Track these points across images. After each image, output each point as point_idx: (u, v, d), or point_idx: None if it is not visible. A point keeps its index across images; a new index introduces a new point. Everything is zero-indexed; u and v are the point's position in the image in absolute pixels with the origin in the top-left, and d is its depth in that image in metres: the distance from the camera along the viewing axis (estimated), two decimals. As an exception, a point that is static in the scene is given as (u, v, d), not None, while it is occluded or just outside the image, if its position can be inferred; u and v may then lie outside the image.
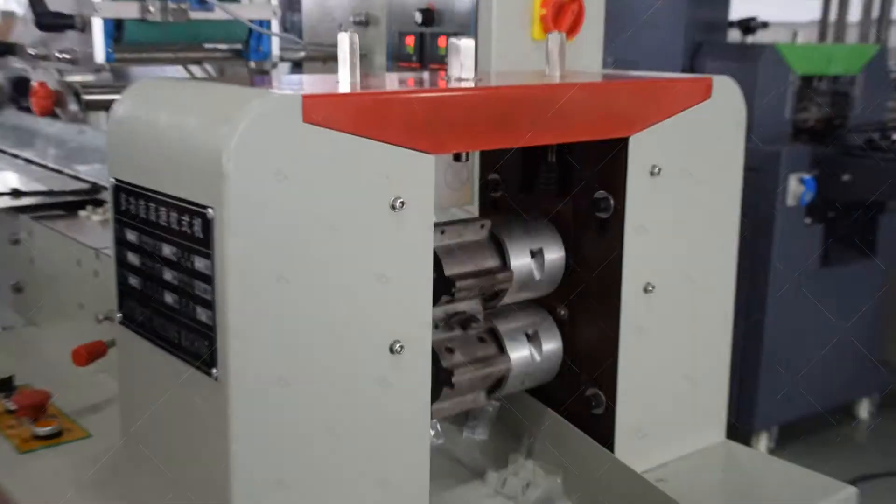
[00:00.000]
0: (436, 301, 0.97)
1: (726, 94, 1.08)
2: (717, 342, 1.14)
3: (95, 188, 1.52)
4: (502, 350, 1.05)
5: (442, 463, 1.06)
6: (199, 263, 0.80)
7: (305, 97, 0.78)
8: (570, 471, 1.04)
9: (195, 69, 1.62)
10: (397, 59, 1.58)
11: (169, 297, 0.86)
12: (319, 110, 0.79)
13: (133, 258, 0.90)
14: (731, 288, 1.14)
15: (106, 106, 1.33)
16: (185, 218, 0.81)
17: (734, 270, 1.14)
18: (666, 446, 1.10)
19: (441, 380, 0.98)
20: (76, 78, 1.43)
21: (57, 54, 1.39)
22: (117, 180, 0.90)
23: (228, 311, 0.77)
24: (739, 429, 2.59)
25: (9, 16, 1.65)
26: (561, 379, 1.11)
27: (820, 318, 2.68)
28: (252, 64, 1.52)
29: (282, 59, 1.57)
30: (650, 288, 1.04)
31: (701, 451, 1.13)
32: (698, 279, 1.09)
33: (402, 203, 0.85)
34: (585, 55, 1.43)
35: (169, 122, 0.84)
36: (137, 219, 0.88)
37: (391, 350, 0.86)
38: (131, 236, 0.89)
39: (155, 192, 0.85)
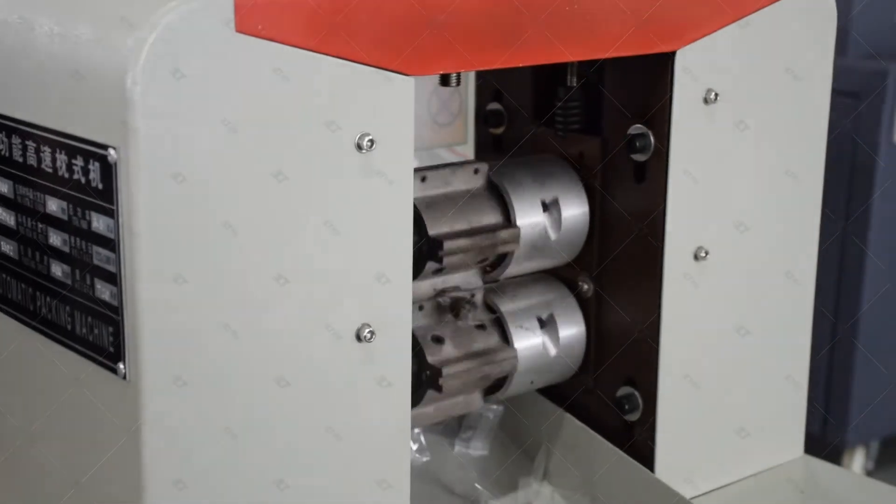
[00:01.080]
0: (418, 271, 0.99)
1: (810, -11, 1.10)
2: (793, 327, 1.17)
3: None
4: (506, 339, 1.07)
5: (427, 489, 1.09)
6: (99, 223, 0.81)
7: (238, -2, 0.79)
8: (599, 497, 1.07)
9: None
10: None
11: (57, 269, 0.87)
12: (257, 16, 0.80)
13: (5, 216, 0.91)
14: (812, 255, 1.17)
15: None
16: (78, 162, 0.82)
17: (817, 232, 1.17)
18: (724, 464, 1.13)
19: (425, 380, 1.00)
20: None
21: None
22: (-19, 110, 0.91)
23: (139, 287, 0.79)
24: (828, 443, 2.63)
25: None
26: (584, 375, 1.13)
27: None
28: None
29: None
30: (702, 254, 1.06)
31: (771, 470, 1.16)
32: (767, 243, 1.12)
33: (372, 142, 0.86)
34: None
35: (50, 29, 0.84)
36: (11, 163, 0.89)
37: (359, 337, 0.88)
38: (2, 187, 0.91)
39: (35, 126, 0.86)
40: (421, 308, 1.04)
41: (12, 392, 0.96)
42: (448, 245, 0.98)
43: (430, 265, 1.00)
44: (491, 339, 1.06)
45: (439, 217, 1.00)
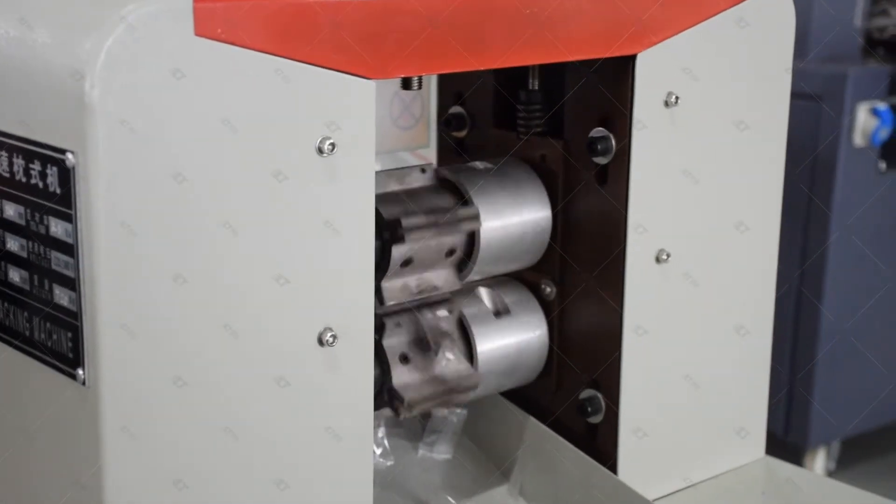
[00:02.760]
0: (386, 266, 0.99)
1: (770, -7, 1.11)
2: (754, 329, 1.19)
3: None
4: (469, 347, 1.08)
5: (391, 492, 1.10)
6: (57, 228, 0.81)
7: (198, 1, 0.79)
8: (561, 498, 1.08)
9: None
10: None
11: (15, 275, 0.87)
12: (217, 19, 0.80)
13: (-37, 222, 0.91)
14: (773, 256, 1.19)
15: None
16: (35, 166, 0.82)
17: (777, 233, 1.19)
18: (685, 466, 1.15)
19: (386, 399, 1.01)
20: None
21: None
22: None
23: (99, 293, 0.79)
24: (789, 444, 2.67)
25: None
26: (547, 378, 1.14)
27: (898, 299, 2.75)
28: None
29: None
30: (664, 257, 1.08)
31: (733, 471, 1.18)
32: (729, 245, 1.14)
33: (333, 146, 0.87)
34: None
35: (7, 32, 0.84)
36: (-32, 168, 0.89)
37: (320, 341, 0.89)
38: (-40, 192, 0.90)
39: (-8, 130, 0.85)
40: (399, 325, 1.04)
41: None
42: (406, 221, 0.98)
43: (397, 254, 0.99)
44: (459, 365, 1.06)
45: (394, 205, 1.01)
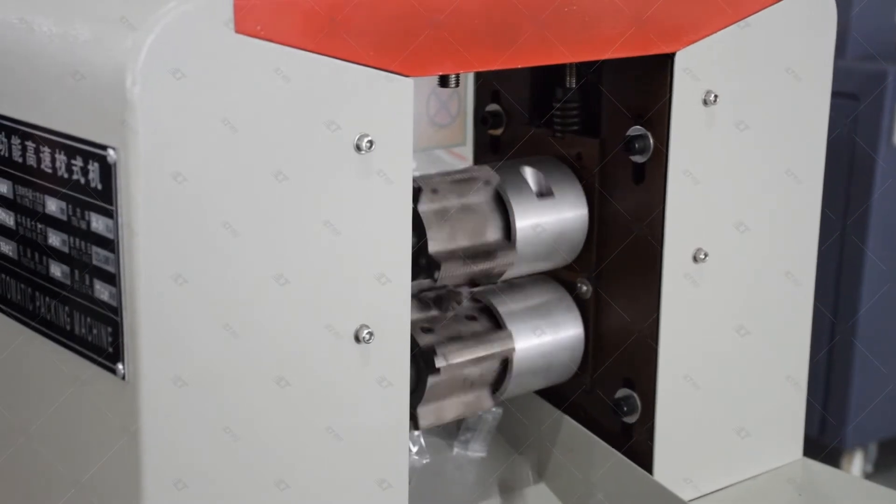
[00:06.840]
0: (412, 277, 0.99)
1: (809, -9, 1.10)
2: (792, 330, 1.18)
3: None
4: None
5: (426, 490, 1.10)
6: (98, 223, 0.82)
7: (238, -1, 0.80)
8: (596, 498, 1.08)
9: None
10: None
11: (56, 270, 0.88)
12: (257, 16, 0.80)
13: (4, 216, 0.92)
14: (812, 257, 1.18)
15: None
16: (77, 162, 0.83)
17: (816, 233, 1.18)
18: (722, 466, 1.14)
19: (422, 367, 1.00)
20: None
21: None
22: (-22, 110, 0.91)
23: (138, 288, 0.79)
24: (826, 446, 2.64)
25: None
26: (583, 377, 1.14)
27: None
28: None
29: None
30: (702, 256, 1.07)
31: (769, 473, 1.17)
32: (766, 245, 1.13)
33: (371, 143, 0.87)
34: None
35: (49, 29, 0.85)
36: (10, 163, 0.90)
37: (357, 338, 0.89)
38: (2, 187, 0.91)
39: (34, 126, 0.86)
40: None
41: (12, 392, 0.96)
42: (445, 271, 0.99)
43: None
44: (483, 325, 1.06)
45: (442, 233, 1.01)
